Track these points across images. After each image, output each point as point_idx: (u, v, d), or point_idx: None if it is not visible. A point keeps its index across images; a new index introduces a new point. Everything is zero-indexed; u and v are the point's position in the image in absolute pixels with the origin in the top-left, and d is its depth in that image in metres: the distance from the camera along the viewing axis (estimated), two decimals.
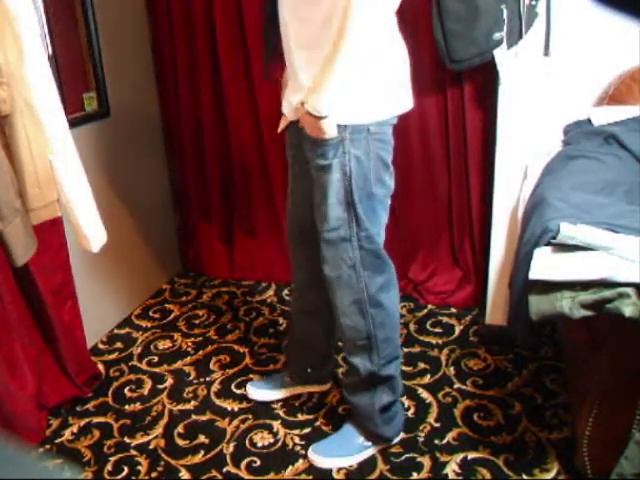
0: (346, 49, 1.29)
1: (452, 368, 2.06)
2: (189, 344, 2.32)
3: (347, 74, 1.33)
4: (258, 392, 1.96)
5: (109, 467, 1.73)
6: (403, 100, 1.50)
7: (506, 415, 1.82)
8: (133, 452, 1.78)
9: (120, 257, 2.42)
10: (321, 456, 1.68)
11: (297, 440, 1.77)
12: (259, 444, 1.77)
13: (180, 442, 1.81)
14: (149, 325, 2.47)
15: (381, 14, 1.34)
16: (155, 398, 2.01)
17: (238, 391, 2.01)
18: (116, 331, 2.44)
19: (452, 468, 1.64)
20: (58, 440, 1.84)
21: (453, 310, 2.43)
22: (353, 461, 1.67)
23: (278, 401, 1.93)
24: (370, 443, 1.69)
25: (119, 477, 1.69)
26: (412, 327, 2.33)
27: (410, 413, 1.86)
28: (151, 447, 1.79)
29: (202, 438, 1.82)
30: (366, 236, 1.51)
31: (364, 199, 1.48)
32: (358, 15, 1.26)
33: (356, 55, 1.31)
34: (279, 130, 1.62)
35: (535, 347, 2.11)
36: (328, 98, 1.34)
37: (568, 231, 1.24)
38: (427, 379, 2.02)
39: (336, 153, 1.43)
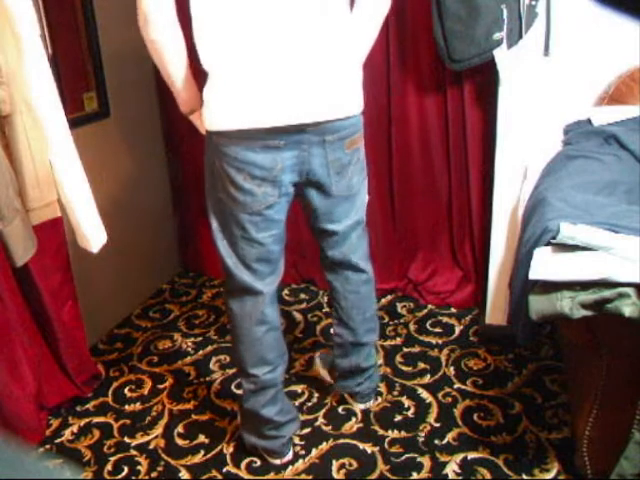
0: None
1: (452, 368, 2.06)
2: (189, 344, 2.32)
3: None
4: None
5: (109, 467, 1.73)
6: (237, 117, 1.35)
7: (506, 415, 1.82)
8: (133, 452, 1.78)
9: (120, 257, 2.41)
10: None
11: (297, 440, 1.77)
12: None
13: (180, 442, 1.81)
14: (149, 325, 2.47)
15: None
16: (155, 398, 2.01)
17: (238, 391, 2.01)
18: (116, 331, 2.43)
19: (452, 468, 1.64)
20: (58, 440, 1.84)
21: (453, 310, 2.43)
22: None
23: None
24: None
25: (119, 477, 1.69)
26: (412, 327, 2.33)
27: (410, 413, 1.86)
28: (151, 447, 1.79)
29: (202, 438, 1.82)
30: (214, 235, 1.51)
31: (212, 196, 1.48)
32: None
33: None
34: None
35: (535, 347, 2.11)
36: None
37: (568, 231, 1.24)
38: (427, 379, 2.02)
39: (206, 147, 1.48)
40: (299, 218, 2.33)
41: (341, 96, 1.40)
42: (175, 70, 1.43)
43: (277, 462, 1.69)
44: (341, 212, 1.55)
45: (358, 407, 1.89)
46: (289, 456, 1.71)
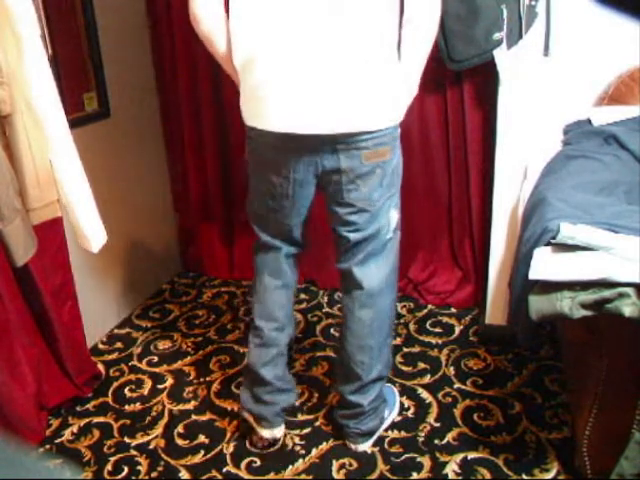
0: None
1: (452, 368, 2.06)
2: (189, 344, 2.32)
3: None
4: None
5: (109, 467, 1.73)
6: (252, 115, 1.46)
7: (506, 415, 1.82)
8: (133, 452, 1.78)
9: (120, 257, 2.42)
10: None
11: (297, 440, 1.77)
12: (259, 444, 1.76)
13: (180, 442, 1.81)
14: (149, 325, 2.47)
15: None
16: (155, 398, 2.01)
17: (238, 391, 2.01)
18: (116, 331, 2.44)
19: (452, 468, 1.64)
20: (58, 440, 1.84)
21: (453, 310, 2.43)
22: None
23: None
24: None
25: (119, 477, 1.69)
26: (412, 327, 2.33)
27: (410, 413, 1.86)
28: (151, 447, 1.79)
29: (202, 438, 1.82)
30: (247, 205, 1.70)
31: (248, 173, 1.63)
32: None
33: None
34: None
35: (535, 346, 2.11)
36: None
37: (568, 231, 1.24)
38: (427, 379, 2.02)
39: None
40: None
41: (355, 112, 1.35)
42: (225, 60, 1.50)
43: (267, 434, 1.71)
44: (357, 222, 1.50)
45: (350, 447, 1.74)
46: (280, 430, 1.73)
